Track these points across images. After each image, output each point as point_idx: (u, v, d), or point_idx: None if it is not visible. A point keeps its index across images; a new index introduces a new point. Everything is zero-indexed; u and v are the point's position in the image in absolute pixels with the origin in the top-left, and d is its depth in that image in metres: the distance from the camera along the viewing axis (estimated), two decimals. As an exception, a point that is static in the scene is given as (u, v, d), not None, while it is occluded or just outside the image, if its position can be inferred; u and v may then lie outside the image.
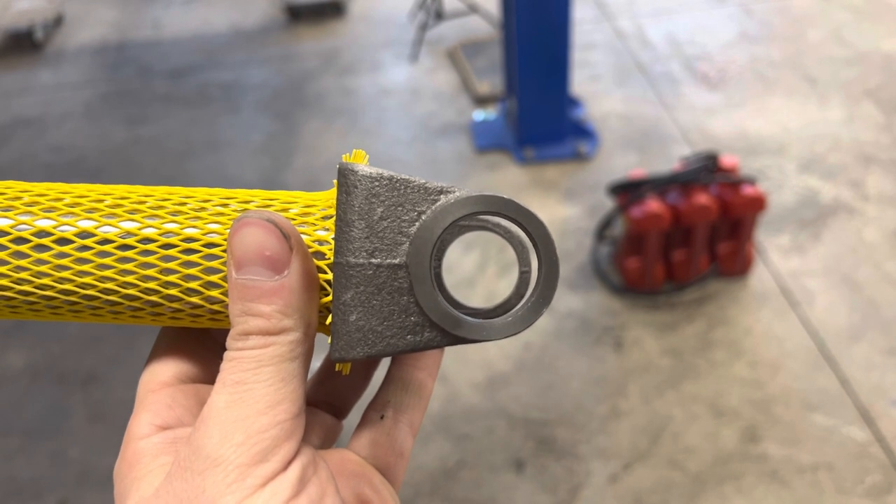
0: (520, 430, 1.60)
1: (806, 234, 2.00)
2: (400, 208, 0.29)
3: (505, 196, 0.29)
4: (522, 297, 0.36)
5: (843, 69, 2.72)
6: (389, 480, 0.34)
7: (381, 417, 0.34)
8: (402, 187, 0.29)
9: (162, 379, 0.31)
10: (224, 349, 0.28)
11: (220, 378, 0.27)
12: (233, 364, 0.27)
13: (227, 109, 2.98)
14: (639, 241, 1.80)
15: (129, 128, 2.93)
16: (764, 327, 1.76)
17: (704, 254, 1.84)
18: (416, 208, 0.29)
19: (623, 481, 1.48)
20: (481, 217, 0.37)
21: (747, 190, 1.76)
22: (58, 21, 3.87)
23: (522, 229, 0.30)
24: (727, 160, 1.83)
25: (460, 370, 1.73)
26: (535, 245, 0.29)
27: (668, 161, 2.24)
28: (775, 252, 1.95)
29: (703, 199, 1.74)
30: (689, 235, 1.80)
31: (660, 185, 1.77)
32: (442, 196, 0.29)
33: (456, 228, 0.37)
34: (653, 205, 1.74)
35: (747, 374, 1.65)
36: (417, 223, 0.29)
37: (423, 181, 0.29)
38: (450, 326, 0.29)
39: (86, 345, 1.96)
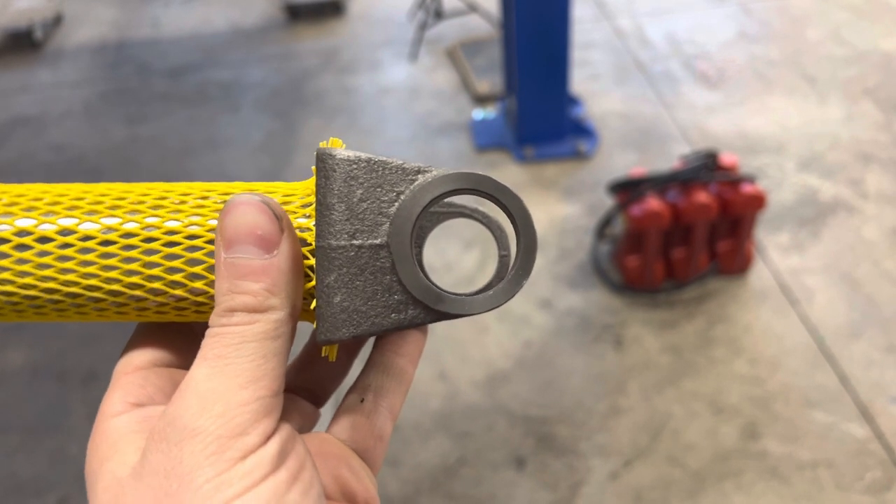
0: (520, 428, 1.60)
1: (805, 232, 2.00)
2: (379, 189, 0.29)
3: (481, 173, 0.29)
4: (503, 279, 0.36)
5: (842, 68, 2.73)
6: (368, 464, 0.34)
7: (362, 401, 0.34)
8: (380, 168, 0.29)
9: (136, 363, 0.31)
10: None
11: (200, 353, 0.27)
12: (215, 339, 0.27)
13: (227, 108, 2.98)
14: (638, 240, 1.81)
15: (128, 126, 2.93)
16: (763, 325, 1.76)
17: (704, 252, 1.84)
18: (395, 189, 0.30)
19: (623, 478, 1.48)
20: (459, 204, 0.37)
21: (747, 188, 1.76)
22: (57, 20, 3.86)
23: (499, 205, 0.30)
24: (727, 158, 1.84)
25: (460, 368, 1.74)
26: (511, 219, 0.30)
27: (668, 159, 2.25)
28: (775, 250, 1.95)
29: (702, 197, 1.74)
30: (688, 233, 1.81)
31: (659, 183, 1.77)
32: (420, 175, 0.30)
33: (435, 216, 0.37)
34: (652, 203, 1.74)
35: (747, 371, 1.65)
36: (397, 203, 0.29)
37: (401, 162, 0.30)
38: (432, 302, 0.29)
39: (86, 342, 1.96)
